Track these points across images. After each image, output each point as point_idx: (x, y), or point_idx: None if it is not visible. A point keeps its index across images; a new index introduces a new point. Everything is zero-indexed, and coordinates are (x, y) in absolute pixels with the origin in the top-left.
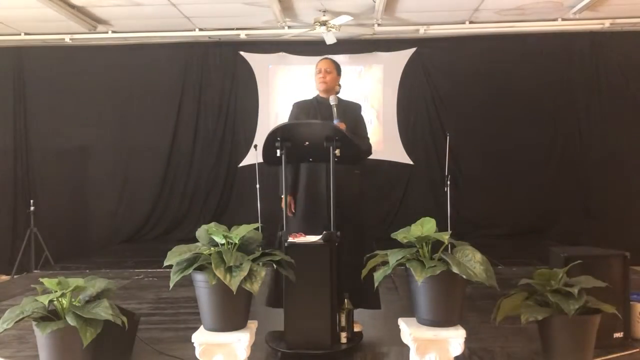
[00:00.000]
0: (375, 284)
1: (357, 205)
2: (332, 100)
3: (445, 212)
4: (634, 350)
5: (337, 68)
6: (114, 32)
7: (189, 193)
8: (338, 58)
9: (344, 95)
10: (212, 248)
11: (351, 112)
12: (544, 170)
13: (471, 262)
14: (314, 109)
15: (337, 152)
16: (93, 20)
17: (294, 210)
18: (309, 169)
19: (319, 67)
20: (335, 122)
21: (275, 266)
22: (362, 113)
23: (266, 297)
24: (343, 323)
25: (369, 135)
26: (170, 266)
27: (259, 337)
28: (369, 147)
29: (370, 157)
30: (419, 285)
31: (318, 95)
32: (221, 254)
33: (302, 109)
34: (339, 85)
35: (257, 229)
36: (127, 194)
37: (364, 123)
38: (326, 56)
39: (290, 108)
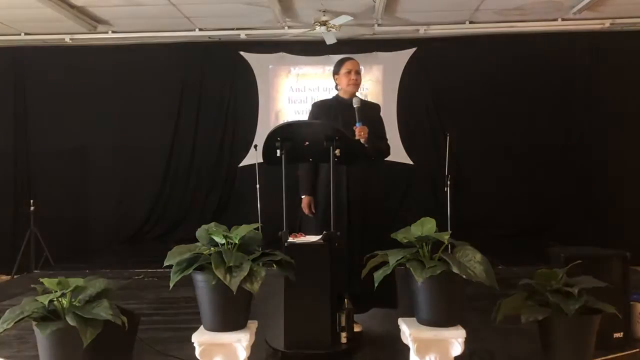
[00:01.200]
0: (375, 284)
1: (379, 203)
2: (356, 103)
3: (445, 212)
4: (634, 350)
5: None
6: (114, 32)
7: (189, 193)
8: (338, 58)
9: None
10: (212, 248)
11: (372, 113)
12: (544, 170)
13: (471, 262)
14: (334, 109)
15: (337, 152)
16: (93, 20)
17: (314, 211)
18: (328, 170)
19: (349, 67)
20: (358, 125)
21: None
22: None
23: None
24: (343, 323)
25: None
26: (170, 266)
27: (259, 337)
28: (388, 147)
29: None
30: (419, 285)
31: (338, 95)
32: (221, 254)
33: (323, 109)
34: None
35: (257, 229)
36: (127, 194)
37: (383, 124)
38: (349, 56)
39: (310, 109)
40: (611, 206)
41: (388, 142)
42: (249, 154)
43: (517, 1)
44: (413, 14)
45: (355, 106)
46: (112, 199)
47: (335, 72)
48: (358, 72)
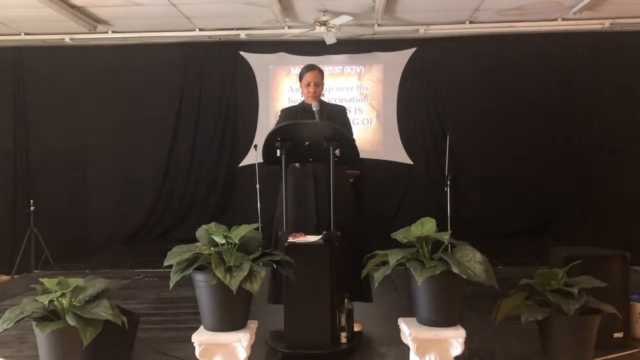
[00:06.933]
0: (376, 284)
1: (346, 208)
2: (315, 106)
3: (445, 212)
4: (634, 350)
5: (323, 75)
6: (114, 32)
7: (189, 193)
8: (338, 58)
9: (345, 95)
10: (212, 248)
11: (336, 115)
12: (544, 170)
13: (471, 262)
14: (300, 115)
15: (337, 152)
16: (93, 20)
17: None
18: (300, 173)
19: (308, 80)
20: None
21: (274, 266)
22: (348, 115)
23: (267, 295)
24: (343, 323)
25: (363, 136)
26: (170, 266)
27: (259, 337)
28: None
29: (370, 157)
30: (419, 285)
31: (303, 102)
32: (221, 254)
33: (289, 115)
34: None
35: (257, 229)
36: (127, 194)
37: (350, 125)
38: (311, 65)
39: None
40: (611, 206)
41: (355, 143)
42: (249, 154)
43: (517, 1)
44: (413, 14)
45: (314, 109)
46: (112, 199)
47: (299, 79)
48: (317, 84)
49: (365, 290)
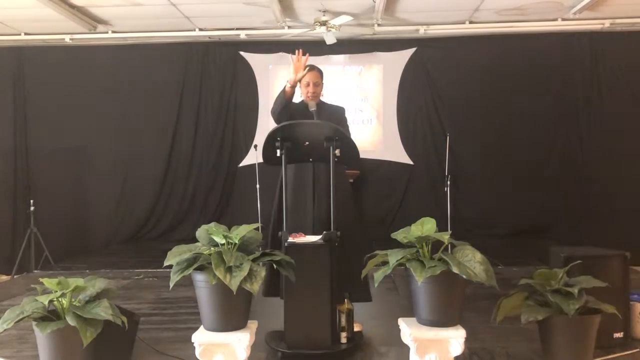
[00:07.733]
0: (375, 284)
1: (345, 208)
2: (312, 107)
3: (445, 212)
4: (634, 350)
5: (322, 75)
6: (114, 32)
7: (189, 193)
8: (338, 58)
9: (345, 95)
10: (212, 248)
11: (335, 115)
12: (544, 170)
13: (471, 262)
14: (300, 113)
15: (337, 152)
16: (93, 20)
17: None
18: (296, 169)
19: (307, 79)
20: None
21: (275, 266)
22: (347, 115)
23: (263, 289)
24: (343, 323)
25: (363, 136)
26: (170, 266)
27: (259, 337)
28: None
29: (370, 157)
30: (419, 285)
31: (303, 100)
32: (221, 254)
33: (288, 108)
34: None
35: (257, 229)
36: (127, 194)
37: (347, 126)
38: (310, 65)
39: None
40: (611, 206)
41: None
42: (249, 154)
43: (517, 1)
44: (413, 14)
45: (311, 110)
46: (112, 199)
47: (300, 84)
48: (316, 85)
49: (365, 290)
